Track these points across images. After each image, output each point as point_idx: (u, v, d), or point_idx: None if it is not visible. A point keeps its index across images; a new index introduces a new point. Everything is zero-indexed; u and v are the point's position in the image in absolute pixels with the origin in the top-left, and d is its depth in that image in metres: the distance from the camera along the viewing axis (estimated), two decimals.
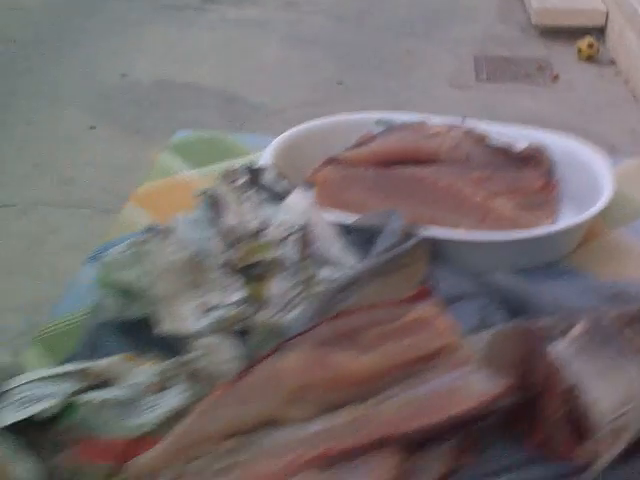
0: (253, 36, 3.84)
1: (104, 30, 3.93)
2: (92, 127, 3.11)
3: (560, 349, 0.79)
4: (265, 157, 1.16)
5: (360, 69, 3.52)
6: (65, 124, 3.13)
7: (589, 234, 1.11)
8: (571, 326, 0.81)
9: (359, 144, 1.25)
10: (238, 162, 1.10)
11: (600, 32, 3.72)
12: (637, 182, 1.25)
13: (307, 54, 3.65)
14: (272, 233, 0.95)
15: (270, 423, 0.78)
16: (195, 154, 1.33)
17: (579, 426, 0.76)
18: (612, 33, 3.65)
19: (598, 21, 3.72)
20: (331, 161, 1.19)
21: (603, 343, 0.80)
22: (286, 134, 1.23)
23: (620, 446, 0.73)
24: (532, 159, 1.21)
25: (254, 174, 1.05)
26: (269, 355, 0.81)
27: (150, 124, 3.06)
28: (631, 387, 0.76)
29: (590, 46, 3.54)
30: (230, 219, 0.96)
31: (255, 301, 0.89)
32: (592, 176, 1.15)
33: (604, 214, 1.09)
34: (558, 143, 1.23)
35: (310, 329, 0.84)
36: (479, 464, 0.77)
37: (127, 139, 2.99)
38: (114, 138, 3.02)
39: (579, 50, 3.54)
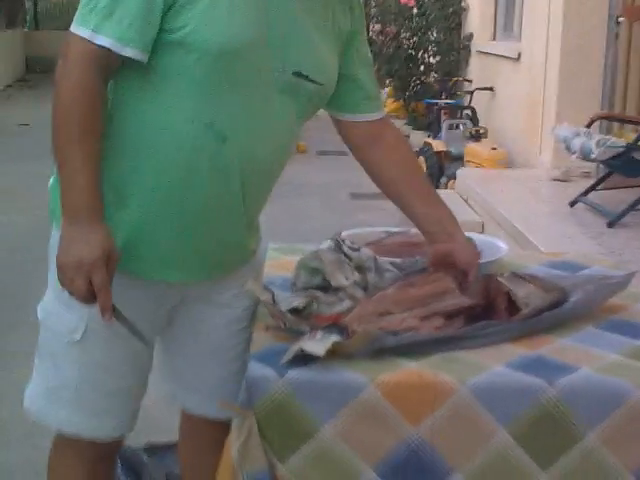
0: None
1: None
2: None
3: (501, 279, 1.95)
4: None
5: None
6: None
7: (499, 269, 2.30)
8: (502, 274, 1.98)
9: (379, 240, 2.42)
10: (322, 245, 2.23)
11: None
12: (521, 257, 2.46)
13: None
14: (362, 257, 2.10)
15: (386, 314, 1.89)
16: (283, 253, 2.46)
17: (512, 308, 1.91)
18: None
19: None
20: (369, 244, 2.35)
21: (517, 279, 1.97)
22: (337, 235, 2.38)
23: (529, 311, 1.88)
24: None
25: (338, 242, 2.20)
26: (380, 291, 1.94)
27: None
28: (531, 290, 1.92)
29: None
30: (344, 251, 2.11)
31: (361, 280, 2.02)
32: (496, 250, 2.34)
33: (503, 266, 2.28)
34: (480, 237, 2.43)
35: (393, 284, 1.98)
36: (471, 328, 1.88)
37: None
38: None
39: None
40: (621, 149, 4.95)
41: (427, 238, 2.09)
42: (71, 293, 1.72)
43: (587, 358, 1.76)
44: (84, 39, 1.66)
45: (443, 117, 8.76)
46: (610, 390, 1.67)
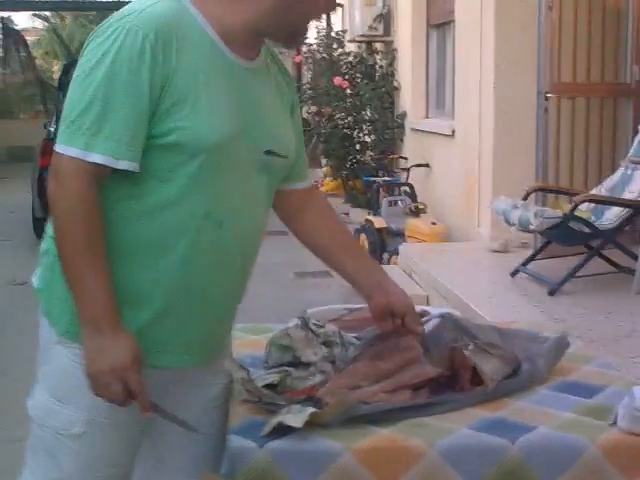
0: None
1: None
2: None
3: (467, 351, 2.08)
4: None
5: None
6: None
7: None
8: (467, 345, 2.12)
9: (341, 316, 2.55)
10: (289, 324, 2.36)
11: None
12: None
13: None
14: (328, 333, 2.22)
15: (357, 387, 2.01)
16: (248, 332, 2.57)
17: (477, 380, 2.04)
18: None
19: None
20: (332, 321, 2.48)
21: (482, 350, 2.10)
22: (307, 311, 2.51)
23: (493, 384, 2.02)
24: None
25: (305, 320, 2.32)
26: (349, 364, 2.07)
27: None
28: (496, 365, 2.06)
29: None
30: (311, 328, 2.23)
31: (329, 355, 2.14)
32: None
33: None
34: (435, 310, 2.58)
35: (361, 354, 2.11)
36: (437, 398, 2.01)
37: None
38: None
39: None
40: (558, 219, 5.17)
41: (363, 294, 2.21)
42: (107, 399, 1.79)
43: (544, 417, 1.91)
44: (75, 158, 1.72)
45: (382, 194, 8.99)
46: (568, 445, 1.81)
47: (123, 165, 1.75)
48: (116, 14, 1.81)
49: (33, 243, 9.19)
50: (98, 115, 1.72)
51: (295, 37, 1.97)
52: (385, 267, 7.29)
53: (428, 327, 2.25)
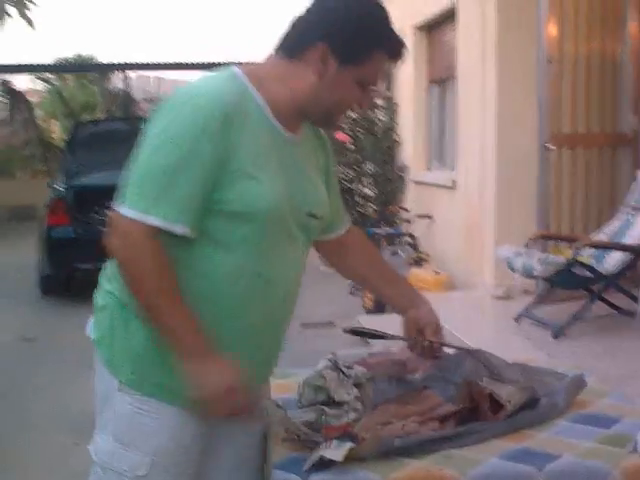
0: None
1: None
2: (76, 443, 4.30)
3: (483, 383, 2.21)
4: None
5: None
6: None
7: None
8: (482, 378, 2.25)
9: (365, 360, 2.68)
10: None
11: None
12: None
13: None
14: (357, 374, 2.35)
15: (388, 423, 2.13)
16: (275, 377, 2.68)
17: (495, 407, 2.17)
18: None
19: None
20: (361, 363, 2.61)
21: (495, 382, 2.23)
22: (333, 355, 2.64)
23: (511, 409, 2.15)
24: None
25: (335, 362, 2.45)
26: (380, 405, 2.20)
27: None
28: (511, 390, 2.19)
29: None
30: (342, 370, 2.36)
31: (361, 395, 2.27)
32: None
33: None
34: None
35: (391, 400, 2.23)
36: (464, 428, 2.13)
37: None
38: None
39: None
40: (561, 265, 5.31)
41: (399, 311, 2.43)
42: (228, 413, 1.98)
43: (567, 447, 2.03)
44: (135, 220, 1.85)
45: (384, 245, 9.13)
46: (591, 472, 1.93)
47: (179, 229, 1.89)
48: (182, 91, 1.95)
49: (39, 300, 9.33)
50: (160, 182, 1.86)
51: (329, 120, 2.12)
52: (390, 317, 7.38)
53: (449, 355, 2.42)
